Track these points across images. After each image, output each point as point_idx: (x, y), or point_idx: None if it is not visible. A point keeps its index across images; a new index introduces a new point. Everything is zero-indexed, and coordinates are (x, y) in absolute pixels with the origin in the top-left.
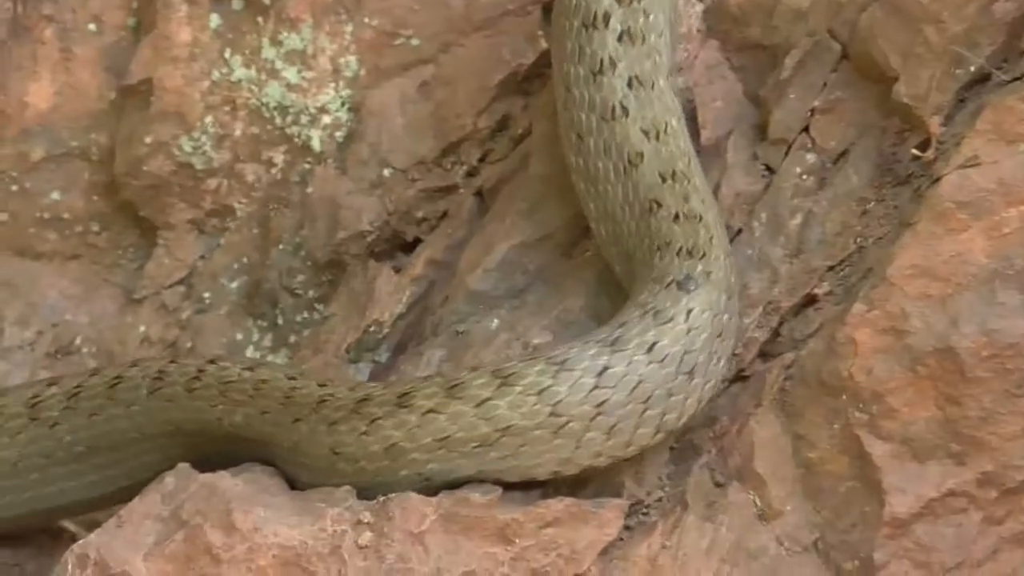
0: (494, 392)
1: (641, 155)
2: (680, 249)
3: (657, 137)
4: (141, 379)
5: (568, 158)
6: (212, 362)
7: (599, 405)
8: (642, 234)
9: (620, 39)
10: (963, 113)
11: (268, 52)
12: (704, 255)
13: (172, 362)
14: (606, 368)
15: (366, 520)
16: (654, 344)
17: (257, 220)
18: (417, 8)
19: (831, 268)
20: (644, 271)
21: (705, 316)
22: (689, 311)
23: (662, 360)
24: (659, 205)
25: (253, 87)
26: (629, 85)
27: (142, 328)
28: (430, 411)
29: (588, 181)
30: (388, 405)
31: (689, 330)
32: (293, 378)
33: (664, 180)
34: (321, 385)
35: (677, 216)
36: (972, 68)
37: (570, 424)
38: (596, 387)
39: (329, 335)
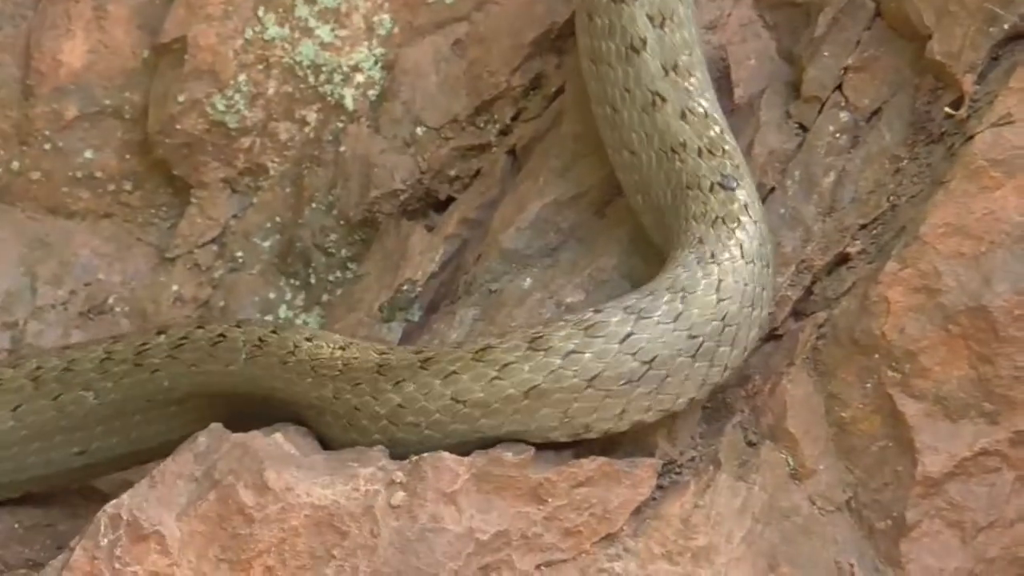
0: (633, 326)
1: (644, 41)
2: (699, 150)
3: (662, 25)
4: (242, 344)
5: (580, 39)
6: (309, 339)
7: (724, 318)
8: (647, 129)
9: None
10: (996, 71)
11: (302, 10)
12: (723, 150)
13: (273, 332)
14: (721, 281)
15: (399, 480)
16: (741, 246)
17: (290, 179)
18: None
19: (864, 226)
20: (661, 166)
21: (756, 206)
22: (746, 206)
23: (752, 260)
24: (662, 100)
25: (286, 45)
26: None
27: (175, 287)
28: (572, 352)
29: (592, 61)
30: (520, 350)
31: (755, 223)
32: (384, 352)
33: (666, 72)
34: (417, 352)
35: (683, 114)
36: (1006, 26)
37: (705, 344)
38: (719, 301)
39: (362, 294)
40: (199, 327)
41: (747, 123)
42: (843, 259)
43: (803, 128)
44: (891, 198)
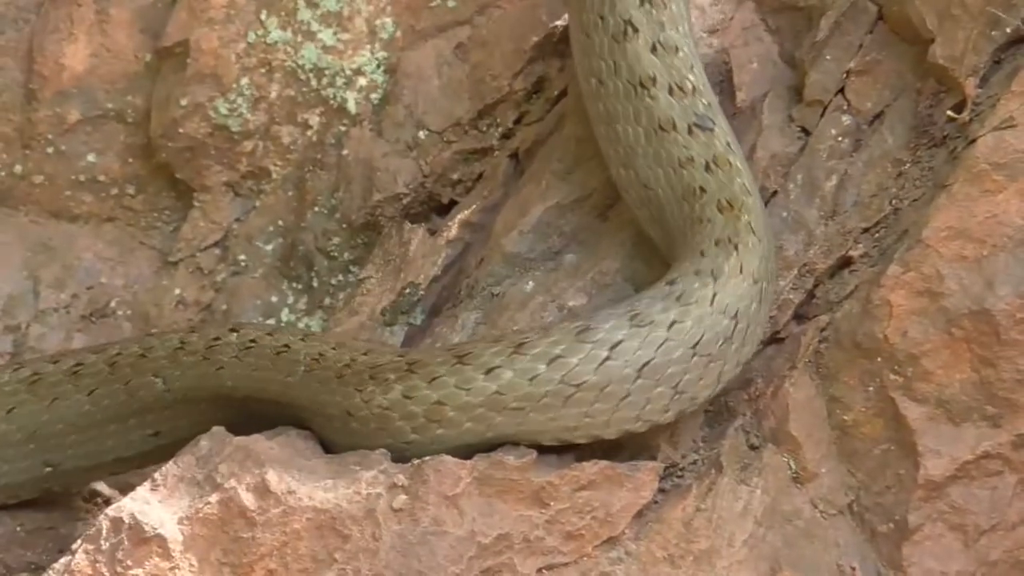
0: (715, 287)
1: None
2: (670, 88)
3: None
4: (303, 356)
5: None
6: (365, 353)
7: (767, 258)
8: (615, 58)
9: None
10: (999, 75)
11: (304, 14)
12: (694, 88)
13: (333, 348)
14: (750, 223)
15: (401, 483)
16: (745, 185)
17: (292, 182)
18: None
19: (866, 230)
20: (629, 100)
21: (736, 142)
22: (729, 144)
23: (755, 195)
24: (634, 30)
25: (289, 49)
26: None
27: (177, 291)
28: (674, 323)
29: None
30: (624, 328)
31: (742, 161)
32: (454, 346)
33: (642, 2)
34: (497, 339)
35: (654, 47)
36: (1008, 30)
37: (763, 286)
38: (759, 241)
39: (364, 297)
40: (269, 334)
41: (749, 127)
42: (845, 262)
43: (805, 132)
44: (893, 201)
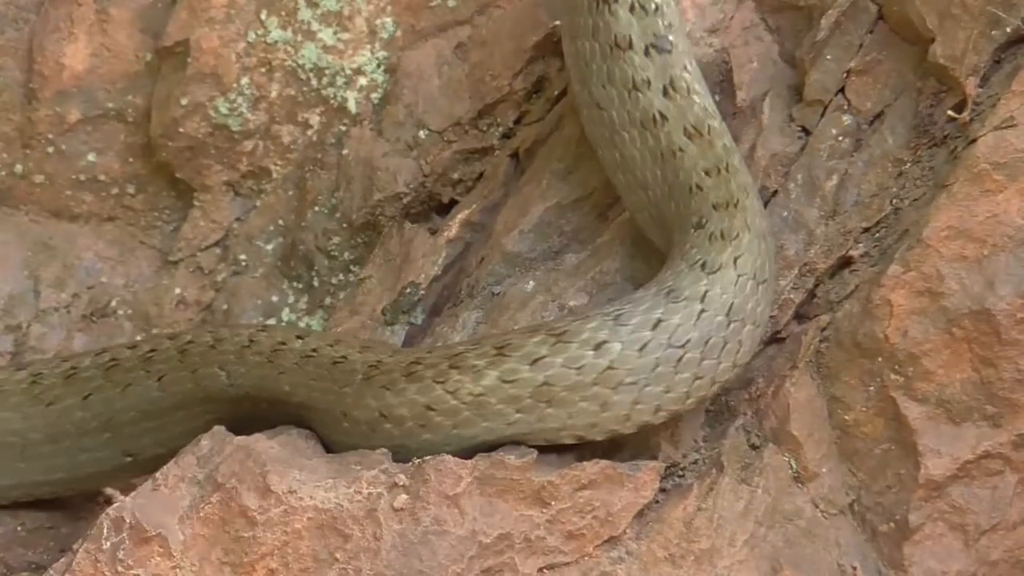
0: (735, 251)
1: None
2: (632, 5)
3: None
4: (359, 366)
5: None
6: (429, 352)
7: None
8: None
9: None
10: (999, 74)
11: (304, 13)
12: (657, 8)
13: (391, 355)
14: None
15: (402, 483)
16: (706, 108)
17: (293, 182)
18: None
19: (867, 230)
20: (590, 14)
21: (694, 66)
22: (685, 66)
23: (714, 115)
24: None
25: (289, 48)
26: None
27: (177, 290)
28: (736, 260)
29: None
30: (702, 283)
31: (699, 82)
32: (536, 327)
33: None
34: (586, 317)
35: (633, 8)
36: (1008, 29)
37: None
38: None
39: (365, 297)
40: (330, 344)
41: (749, 126)
42: (846, 262)
43: (805, 131)
44: (894, 201)
